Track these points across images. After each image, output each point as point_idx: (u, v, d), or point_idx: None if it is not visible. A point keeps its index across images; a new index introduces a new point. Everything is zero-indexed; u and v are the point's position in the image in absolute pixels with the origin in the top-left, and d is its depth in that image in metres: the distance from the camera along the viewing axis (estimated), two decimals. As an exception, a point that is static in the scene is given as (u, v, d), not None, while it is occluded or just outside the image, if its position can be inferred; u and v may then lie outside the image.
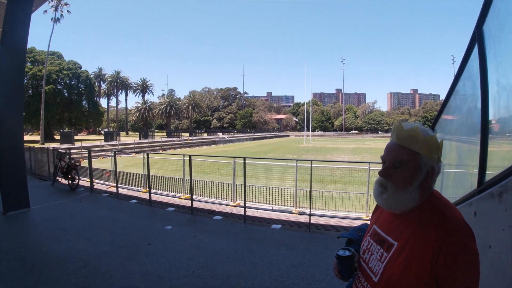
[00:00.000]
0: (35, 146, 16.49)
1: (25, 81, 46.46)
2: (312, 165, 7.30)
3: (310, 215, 6.93)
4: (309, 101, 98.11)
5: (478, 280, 1.07)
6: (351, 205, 8.42)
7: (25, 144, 10.99)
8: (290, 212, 8.44)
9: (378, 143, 56.58)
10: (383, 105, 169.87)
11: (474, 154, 2.46)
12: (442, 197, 1.26)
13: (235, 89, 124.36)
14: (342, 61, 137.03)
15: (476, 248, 1.09)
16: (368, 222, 1.59)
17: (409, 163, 1.19)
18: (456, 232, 1.09)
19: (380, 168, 1.28)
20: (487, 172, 2.23)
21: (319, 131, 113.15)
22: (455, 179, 3.89)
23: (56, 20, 48.90)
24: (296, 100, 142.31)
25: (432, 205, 1.20)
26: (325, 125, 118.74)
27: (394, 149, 1.24)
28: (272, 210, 8.64)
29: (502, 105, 2.14)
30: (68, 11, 50.30)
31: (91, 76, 64.10)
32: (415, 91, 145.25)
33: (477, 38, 2.37)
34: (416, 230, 1.16)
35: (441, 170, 1.23)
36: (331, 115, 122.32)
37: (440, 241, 1.07)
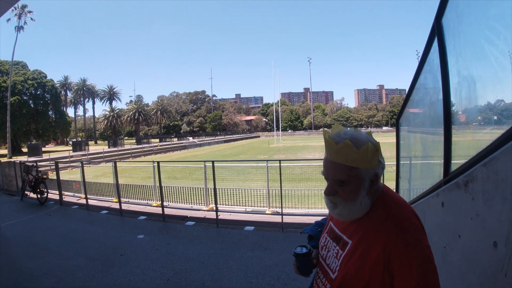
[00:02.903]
0: (2, 160, 15.91)
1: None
2: (283, 164, 7.33)
3: (282, 214, 6.96)
4: (278, 101, 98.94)
5: (435, 273, 1.07)
6: (323, 202, 8.43)
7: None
8: (264, 213, 8.44)
9: (347, 140, 57.13)
10: (351, 102, 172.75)
11: (439, 145, 2.48)
12: (391, 192, 1.26)
13: (203, 92, 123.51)
14: (309, 60, 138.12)
15: (426, 243, 1.10)
16: None
17: (350, 179, 1.16)
18: (405, 231, 1.09)
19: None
20: (453, 162, 2.25)
21: (289, 131, 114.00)
22: (422, 170, 3.96)
23: (19, 28, 47.68)
24: (265, 101, 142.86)
25: (382, 204, 1.20)
26: (295, 124, 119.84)
27: (332, 167, 1.19)
28: (245, 212, 8.62)
29: (464, 95, 2.16)
30: (32, 18, 49.08)
31: (57, 85, 62.25)
32: (381, 86, 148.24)
33: (437, 31, 2.39)
34: (367, 230, 1.17)
35: (384, 165, 1.21)
36: (300, 114, 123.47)
37: (390, 241, 1.08)
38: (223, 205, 8.62)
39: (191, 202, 9.72)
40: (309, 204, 8.65)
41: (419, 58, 3.23)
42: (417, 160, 4.22)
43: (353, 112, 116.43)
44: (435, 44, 2.47)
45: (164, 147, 51.47)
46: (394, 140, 5.32)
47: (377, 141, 1.20)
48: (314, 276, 1.46)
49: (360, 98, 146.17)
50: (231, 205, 9.06)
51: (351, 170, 1.14)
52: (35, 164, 11.83)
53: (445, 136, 2.32)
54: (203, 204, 9.42)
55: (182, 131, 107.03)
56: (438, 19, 2.38)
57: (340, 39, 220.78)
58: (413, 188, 4.10)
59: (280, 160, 7.55)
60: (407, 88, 4.12)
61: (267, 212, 8.43)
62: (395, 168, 5.05)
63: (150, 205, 9.96)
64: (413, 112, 4.32)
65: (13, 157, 34.90)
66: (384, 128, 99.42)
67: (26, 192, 11.40)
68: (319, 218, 1.74)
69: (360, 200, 1.17)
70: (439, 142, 2.49)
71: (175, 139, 67.93)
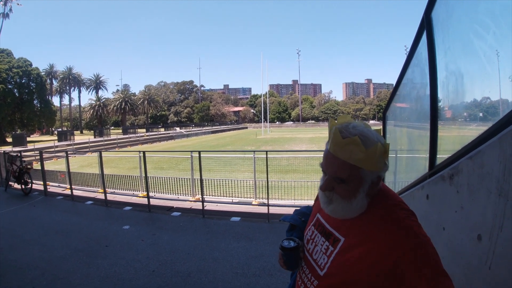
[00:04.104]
0: (-14, 151, 15.60)
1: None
2: (270, 155, 7.34)
3: (268, 205, 6.99)
4: (266, 93, 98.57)
5: (440, 262, 1.02)
6: (309, 193, 8.52)
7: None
8: (250, 203, 8.46)
9: (334, 132, 57.52)
10: (339, 95, 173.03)
11: (425, 139, 2.51)
12: (390, 192, 1.20)
13: (191, 82, 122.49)
14: (297, 53, 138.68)
15: (427, 238, 1.04)
16: (311, 205, 1.51)
17: (350, 178, 1.07)
18: (411, 234, 1.03)
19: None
20: (438, 156, 2.27)
21: (277, 122, 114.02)
22: (407, 163, 4.00)
23: (5, 15, 46.52)
24: (254, 92, 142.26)
25: (382, 205, 1.13)
26: (283, 116, 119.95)
27: (333, 163, 1.09)
28: (232, 203, 8.63)
29: (451, 89, 2.18)
30: (18, 4, 47.92)
31: (42, 73, 60.83)
32: (369, 80, 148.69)
33: (426, 25, 2.40)
34: (367, 231, 1.09)
35: (388, 167, 1.12)
36: (288, 106, 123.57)
37: (397, 246, 1.01)
38: (209, 195, 8.62)
39: (178, 193, 9.70)
40: (295, 196, 8.70)
41: (407, 52, 3.24)
42: (403, 153, 4.26)
43: (341, 105, 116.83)
44: (424, 38, 2.47)
45: (151, 137, 50.98)
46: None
47: (387, 142, 1.10)
48: (297, 269, 1.37)
49: (348, 91, 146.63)
50: (218, 196, 9.07)
51: (354, 169, 1.06)
52: (19, 154, 11.58)
53: (431, 129, 2.33)
54: (189, 195, 9.41)
55: (169, 121, 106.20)
56: (428, 12, 2.38)
57: (329, 33, 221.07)
58: (398, 181, 4.15)
59: (267, 151, 7.56)
60: (394, 82, 4.13)
61: (253, 203, 8.45)
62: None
63: (136, 196, 9.89)
64: (400, 106, 4.35)
65: (-3, 147, 34.30)
66: (371, 121, 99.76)
67: (10, 183, 11.16)
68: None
69: (356, 201, 1.09)
70: (425, 136, 2.51)
71: (162, 129, 67.40)
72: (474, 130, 1.90)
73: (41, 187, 10.44)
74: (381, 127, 5.21)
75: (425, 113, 2.46)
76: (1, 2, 46.10)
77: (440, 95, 2.26)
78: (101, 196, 9.46)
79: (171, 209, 8.02)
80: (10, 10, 47.13)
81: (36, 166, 12.53)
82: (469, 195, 1.51)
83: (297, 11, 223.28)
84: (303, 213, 1.54)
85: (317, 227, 1.30)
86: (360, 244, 1.09)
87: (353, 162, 1.05)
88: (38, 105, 55.36)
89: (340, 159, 1.06)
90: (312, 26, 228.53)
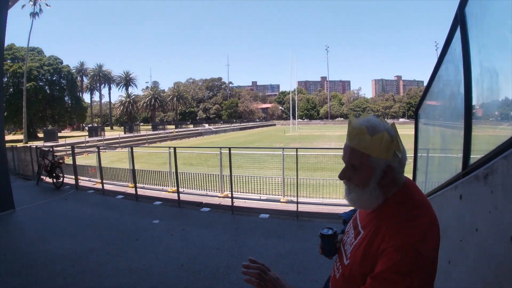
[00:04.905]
0: (18, 146, 16.23)
1: (5, 79, 45.46)
2: (299, 153, 7.31)
3: (297, 203, 6.98)
4: (295, 90, 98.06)
5: (411, 284, 0.99)
6: (338, 192, 8.44)
7: (7, 144, 10.77)
8: (278, 201, 8.46)
9: (364, 130, 56.65)
10: (368, 92, 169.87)
11: (458, 138, 2.45)
12: (415, 191, 1.20)
13: (220, 79, 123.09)
14: (326, 49, 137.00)
15: (427, 255, 1.01)
16: None
17: (361, 166, 1.16)
18: (401, 236, 1.03)
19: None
20: (471, 156, 2.22)
21: (305, 119, 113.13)
22: (440, 163, 3.91)
23: (34, 14, 47.94)
24: (282, 89, 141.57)
25: (398, 200, 1.16)
26: (311, 113, 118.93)
27: (347, 151, 1.20)
28: (260, 199, 8.66)
29: (485, 87, 2.13)
30: (47, 4, 49.32)
31: (73, 71, 62.70)
32: (399, 77, 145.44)
33: (460, 21, 2.35)
34: (377, 223, 1.16)
35: (406, 160, 1.18)
36: (316, 103, 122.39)
37: (386, 238, 1.06)
38: (238, 192, 8.67)
39: (206, 189, 9.80)
40: (323, 194, 8.63)
41: (440, 48, 3.17)
42: (436, 152, 4.17)
43: (370, 103, 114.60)
44: (458, 34, 2.42)
45: (180, 133, 51.69)
46: (410, 132, 5.26)
47: (398, 133, 1.17)
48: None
49: (377, 88, 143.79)
50: (246, 193, 9.11)
51: (364, 157, 1.14)
52: (51, 149, 12.00)
53: (465, 128, 2.28)
54: (218, 191, 9.51)
55: (198, 118, 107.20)
56: (461, 8, 2.33)
57: (358, 29, 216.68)
58: (430, 181, 4.06)
59: (296, 148, 7.52)
60: (424, 79, 4.07)
61: (281, 200, 8.45)
62: (411, 160, 4.99)
63: (166, 191, 10.07)
64: (432, 104, 4.25)
65: (29, 142, 35.47)
66: (401, 119, 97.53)
67: (42, 177, 11.62)
68: (334, 208, 1.75)
69: (370, 190, 1.16)
70: (458, 134, 2.46)
71: (191, 126, 68.18)
72: (509, 130, 1.86)
73: (73, 181, 10.80)
74: (412, 125, 5.12)
75: (459, 111, 2.41)
76: (31, 2, 47.39)
77: (474, 92, 2.21)
78: (131, 190, 9.69)
79: (200, 204, 8.12)
80: (40, 10, 48.44)
81: (67, 160, 12.91)
82: (504, 196, 1.48)
83: (325, 7, 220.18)
84: (357, 210, 1.60)
85: (353, 220, 1.39)
86: (368, 235, 1.17)
87: (360, 149, 1.14)
88: (69, 102, 57.14)
89: (351, 146, 1.17)
90: (340, 21, 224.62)
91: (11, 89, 48.62)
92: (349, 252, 1.26)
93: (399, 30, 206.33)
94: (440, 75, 3.41)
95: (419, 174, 4.71)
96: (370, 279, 1.05)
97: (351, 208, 1.67)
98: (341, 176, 1.23)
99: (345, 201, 1.37)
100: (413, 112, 5.04)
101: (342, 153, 1.23)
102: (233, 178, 7.65)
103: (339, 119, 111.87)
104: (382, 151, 1.12)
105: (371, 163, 1.14)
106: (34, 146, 13.47)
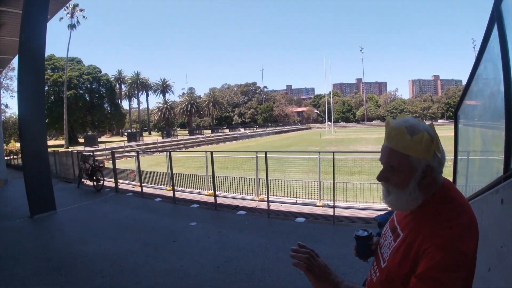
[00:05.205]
0: (60, 150, 16.97)
1: (47, 88, 47.79)
2: (335, 156, 7.24)
3: (334, 207, 6.88)
4: (330, 93, 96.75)
5: (455, 282, 1.00)
6: (376, 196, 8.29)
7: (49, 149, 11.31)
8: (314, 205, 8.38)
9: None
10: (405, 93, 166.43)
11: (499, 140, 2.38)
12: (454, 193, 1.19)
13: (254, 84, 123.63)
14: (361, 50, 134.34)
15: (468, 253, 1.02)
16: None
17: (400, 166, 1.15)
18: (443, 235, 1.03)
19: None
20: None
21: (341, 122, 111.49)
22: (480, 166, 3.79)
23: (72, 26, 50.49)
24: (317, 92, 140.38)
25: (438, 201, 1.15)
26: (347, 116, 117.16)
27: (386, 152, 1.20)
28: (296, 203, 8.61)
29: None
30: (84, 16, 51.65)
31: (111, 79, 65.36)
32: (436, 77, 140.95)
33: (496, 18, 2.29)
34: (416, 224, 1.15)
35: (445, 160, 1.18)
36: (352, 106, 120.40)
37: (426, 241, 1.05)
38: (273, 196, 8.68)
39: (242, 192, 9.87)
40: (360, 198, 8.50)
41: (478, 46, 3.09)
42: (476, 155, 4.04)
43: (407, 104, 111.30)
44: (495, 32, 2.36)
45: (216, 138, 52.42)
46: (449, 134, 5.12)
47: (437, 134, 1.17)
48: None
49: (415, 89, 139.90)
50: (282, 196, 9.11)
51: (402, 157, 1.14)
52: (92, 153, 12.51)
53: (506, 130, 2.21)
54: (254, 195, 9.55)
55: (233, 123, 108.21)
56: (497, 4, 2.27)
57: (392, 29, 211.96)
58: (470, 184, 3.94)
59: (333, 152, 7.45)
60: (463, 78, 3.96)
61: (318, 204, 8.38)
62: (451, 163, 4.85)
63: (203, 194, 10.22)
64: (472, 104, 4.13)
65: (70, 147, 37.10)
66: (440, 121, 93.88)
67: (82, 180, 12.12)
68: (372, 212, 1.75)
69: (409, 190, 1.15)
70: (499, 136, 2.39)
71: (227, 130, 69.05)
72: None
73: (112, 184, 11.20)
74: (452, 126, 4.99)
75: (499, 112, 2.34)
76: (68, 15, 49.50)
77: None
78: (169, 193, 9.92)
79: (236, 207, 8.20)
80: (78, 22, 50.57)
81: (107, 164, 13.40)
82: (546, 200, 1.45)
83: (360, 8, 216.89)
84: (392, 212, 1.59)
85: (390, 223, 1.38)
86: (407, 237, 1.16)
87: (400, 149, 1.14)
88: (108, 108, 59.47)
89: (390, 147, 1.17)
90: (374, 22, 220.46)
91: (52, 97, 51.37)
92: (386, 255, 1.26)
93: (435, 29, 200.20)
94: (479, 74, 3.31)
95: (459, 178, 4.57)
96: (414, 279, 1.04)
97: (387, 210, 1.67)
98: (379, 178, 1.23)
99: (382, 205, 1.37)
100: (452, 112, 4.90)
101: (379, 156, 1.24)
102: (269, 181, 7.67)
103: (376, 121, 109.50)
104: (422, 151, 1.12)
105: (411, 163, 1.14)
106: (75, 151, 14.11)
